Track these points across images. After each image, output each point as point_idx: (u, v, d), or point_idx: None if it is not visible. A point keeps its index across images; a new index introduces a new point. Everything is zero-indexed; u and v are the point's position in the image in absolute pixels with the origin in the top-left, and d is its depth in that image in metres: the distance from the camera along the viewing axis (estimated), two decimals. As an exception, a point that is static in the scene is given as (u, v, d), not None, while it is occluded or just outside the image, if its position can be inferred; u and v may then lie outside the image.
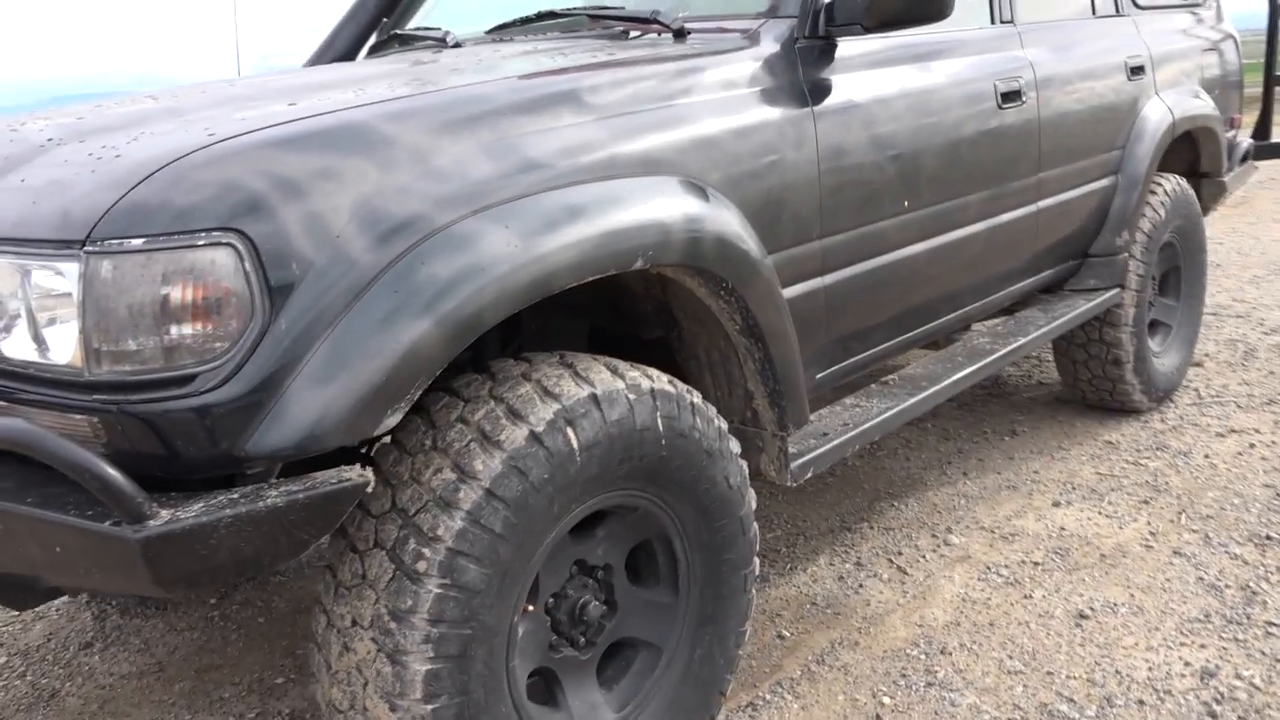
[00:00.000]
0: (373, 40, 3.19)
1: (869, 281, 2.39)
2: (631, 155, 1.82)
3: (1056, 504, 3.20)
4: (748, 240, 1.95)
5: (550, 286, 1.63)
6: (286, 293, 1.41)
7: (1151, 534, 2.95)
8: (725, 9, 2.36)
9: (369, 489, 1.48)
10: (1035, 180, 2.95)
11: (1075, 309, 3.29)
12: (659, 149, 1.87)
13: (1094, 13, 3.42)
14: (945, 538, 3.03)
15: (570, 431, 1.67)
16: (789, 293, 2.15)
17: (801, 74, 2.21)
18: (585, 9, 2.48)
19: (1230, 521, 2.99)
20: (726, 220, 1.91)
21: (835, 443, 2.30)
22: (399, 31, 3.00)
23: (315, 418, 1.39)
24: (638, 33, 2.33)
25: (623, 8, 2.42)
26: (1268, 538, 2.87)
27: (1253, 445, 3.50)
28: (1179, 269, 3.97)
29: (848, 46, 2.35)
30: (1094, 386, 3.78)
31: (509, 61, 2.14)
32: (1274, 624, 2.47)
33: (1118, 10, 3.54)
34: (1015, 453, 3.64)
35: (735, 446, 2.01)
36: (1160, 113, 3.54)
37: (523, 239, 1.58)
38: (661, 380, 1.85)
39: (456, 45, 2.69)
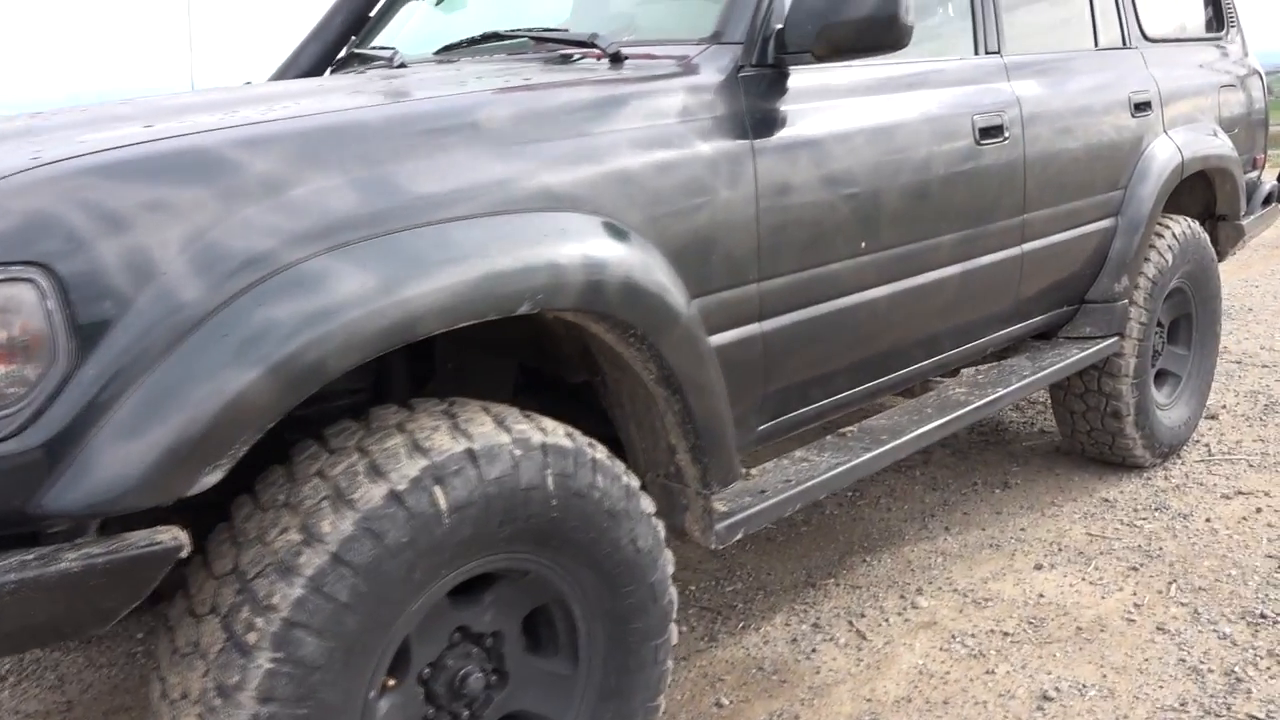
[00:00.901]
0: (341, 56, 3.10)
1: (818, 327, 2.22)
2: (532, 190, 1.68)
3: (1039, 567, 2.99)
4: (664, 284, 1.80)
5: (414, 332, 1.48)
6: (97, 335, 1.28)
7: (1136, 606, 2.74)
8: (672, 33, 2.21)
9: (184, 553, 1.34)
10: (1019, 221, 2.76)
11: (1066, 358, 3.09)
12: (566, 184, 1.72)
13: (1096, 45, 3.22)
14: (914, 599, 2.84)
15: (438, 490, 1.52)
16: (720, 339, 1.99)
17: (745, 105, 2.05)
18: (528, 31, 2.35)
19: (1224, 595, 2.76)
20: (638, 262, 1.75)
21: (771, 502, 2.13)
22: (357, 50, 2.89)
23: (117, 474, 1.26)
24: (578, 56, 2.19)
25: (566, 30, 2.28)
26: (1262, 616, 2.64)
27: (1259, 510, 3.26)
28: (1190, 316, 3.74)
29: (804, 77, 2.19)
30: (1093, 439, 3.56)
31: (426, 86, 2.01)
32: (1256, 718, 2.24)
33: (1125, 43, 3.34)
34: (1004, 507, 3.43)
35: (647, 506, 1.85)
36: (1168, 152, 3.33)
37: (381, 280, 1.44)
38: (557, 434, 1.70)
39: (401, 65, 2.57)
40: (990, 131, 2.61)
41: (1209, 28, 3.95)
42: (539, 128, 1.73)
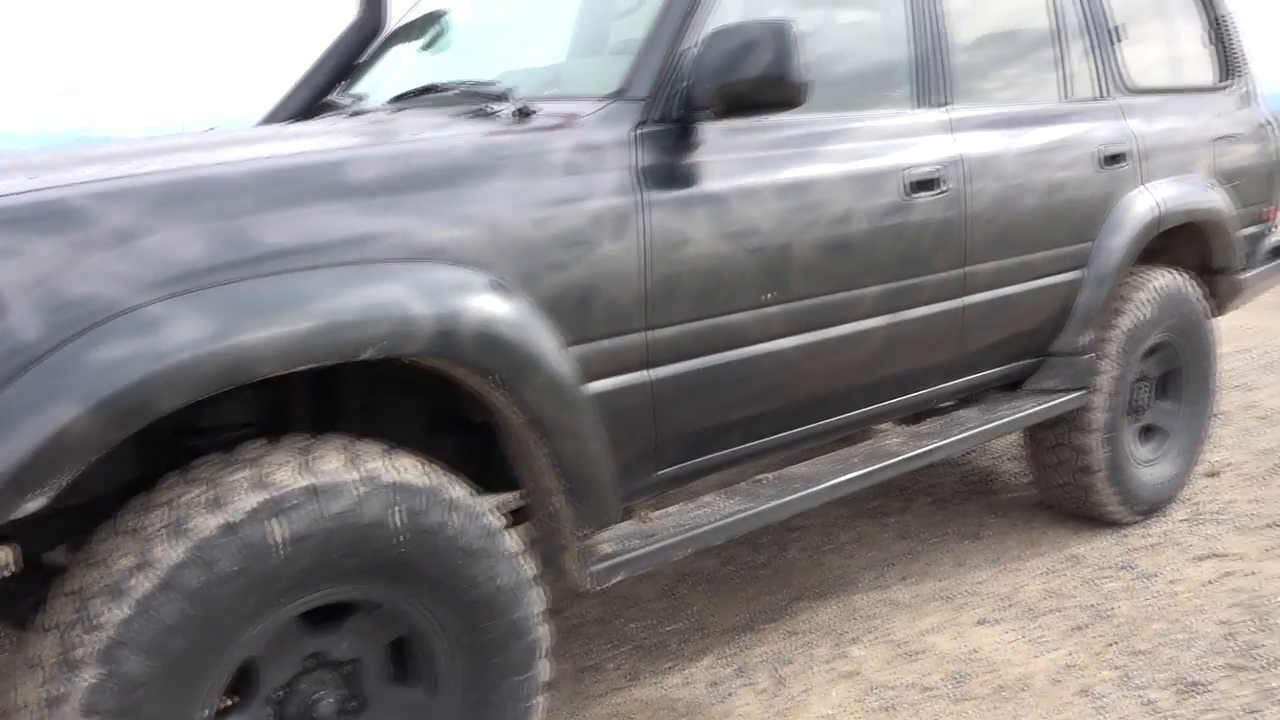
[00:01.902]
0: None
1: (718, 375, 2.26)
2: (391, 242, 1.77)
3: (982, 622, 2.95)
4: (527, 331, 1.87)
5: (248, 374, 1.59)
6: (-58, 369, 1.41)
7: (1068, 666, 2.69)
8: (588, 88, 2.29)
9: (6, 572, 1.46)
10: (960, 274, 2.75)
11: (1020, 411, 3.06)
12: (428, 236, 1.82)
13: (1065, 97, 3.20)
14: (847, 649, 2.84)
15: (275, 523, 1.62)
16: (600, 385, 2.05)
17: (639, 160, 2.12)
18: (461, 84, 2.46)
19: (1163, 660, 2.69)
20: (499, 310, 1.83)
21: (657, 547, 2.18)
22: (327, 99, 3.05)
23: (-59, 497, 1.38)
24: (497, 109, 2.28)
25: (494, 83, 2.38)
26: (1193, 684, 2.57)
27: (1229, 573, 3.16)
28: (1179, 371, 3.65)
29: (714, 130, 2.26)
30: (1066, 493, 3.50)
31: (332, 136, 2.13)
32: (1153, 790, 2.19)
33: (1101, 94, 3.30)
34: (969, 559, 3.39)
35: (510, 545, 1.92)
36: (1145, 205, 3.27)
37: (217, 325, 1.55)
38: (411, 473, 1.79)
39: (356, 114, 2.71)
40: (923, 185, 2.62)
41: (1216, 77, 3.86)
42: (405, 182, 1.83)
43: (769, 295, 2.31)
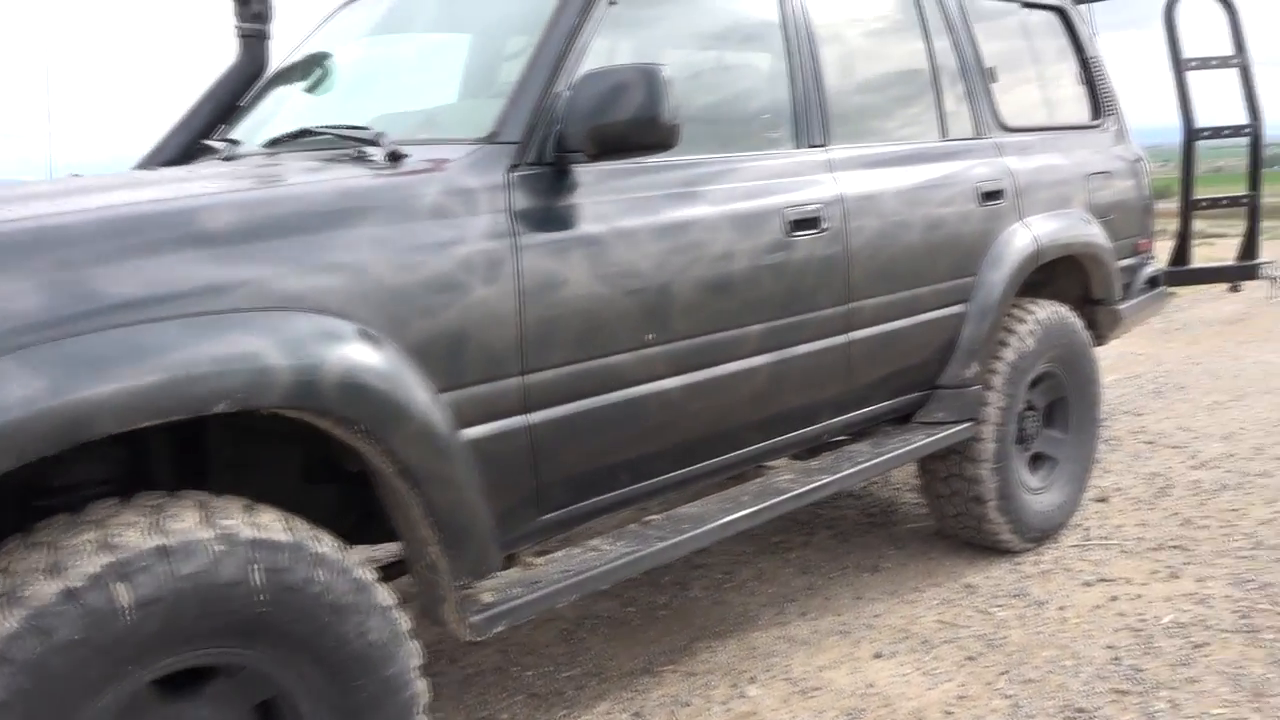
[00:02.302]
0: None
1: (599, 419, 2.24)
2: (247, 291, 1.72)
3: (879, 655, 2.96)
4: (395, 379, 1.83)
5: (89, 432, 1.52)
6: None
7: (960, 698, 2.71)
8: (461, 131, 2.27)
9: None
10: (844, 310, 2.79)
11: (910, 444, 3.10)
12: (287, 283, 1.77)
13: (944, 136, 3.28)
14: (744, 689, 2.82)
15: (121, 587, 1.55)
16: (476, 432, 2.02)
17: (512, 203, 2.11)
18: (334, 128, 2.42)
19: (1052, 688, 2.73)
20: (364, 358, 1.79)
21: (540, 594, 2.14)
22: (204, 141, 2.98)
23: None
24: (369, 153, 2.25)
25: (367, 128, 2.34)
26: (1080, 710, 2.60)
27: (1115, 598, 3.23)
28: (1065, 400, 3.75)
29: (591, 173, 2.26)
30: (960, 523, 3.55)
31: (194, 182, 2.07)
32: (1038, 819, 2.21)
33: (978, 133, 3.40)
34: (867, 592, 3.41)
35: (382, 599, 1.86)
36: (1023, 239, 3.37)
37: (51, 381, 1.48)
38: (273, 528, 1.72)
39: (229, 159, 2.65)
40: (804, 224, 2.65)
41: (1089, 116, 4.01)
42: (262, 229, 1.78)
43: (650, 336, 2.31)
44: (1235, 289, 4.78)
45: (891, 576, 3.52)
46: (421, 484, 1.90)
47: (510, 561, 2.28)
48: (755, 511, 2.61)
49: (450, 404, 1.96)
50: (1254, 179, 4.50)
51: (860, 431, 3.25)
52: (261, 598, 1.68)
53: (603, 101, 2.10)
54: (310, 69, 3.07)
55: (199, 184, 2.01)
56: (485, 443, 2.04)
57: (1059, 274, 3.82)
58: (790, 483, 2.78)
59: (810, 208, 2.69)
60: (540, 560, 2.29)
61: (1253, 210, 4.53)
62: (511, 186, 2.12)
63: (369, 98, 2.81)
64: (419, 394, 1.88)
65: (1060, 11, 3.95)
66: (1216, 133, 4.46)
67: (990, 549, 3.60)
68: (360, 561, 1.85)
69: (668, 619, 3.30)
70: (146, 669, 1.62)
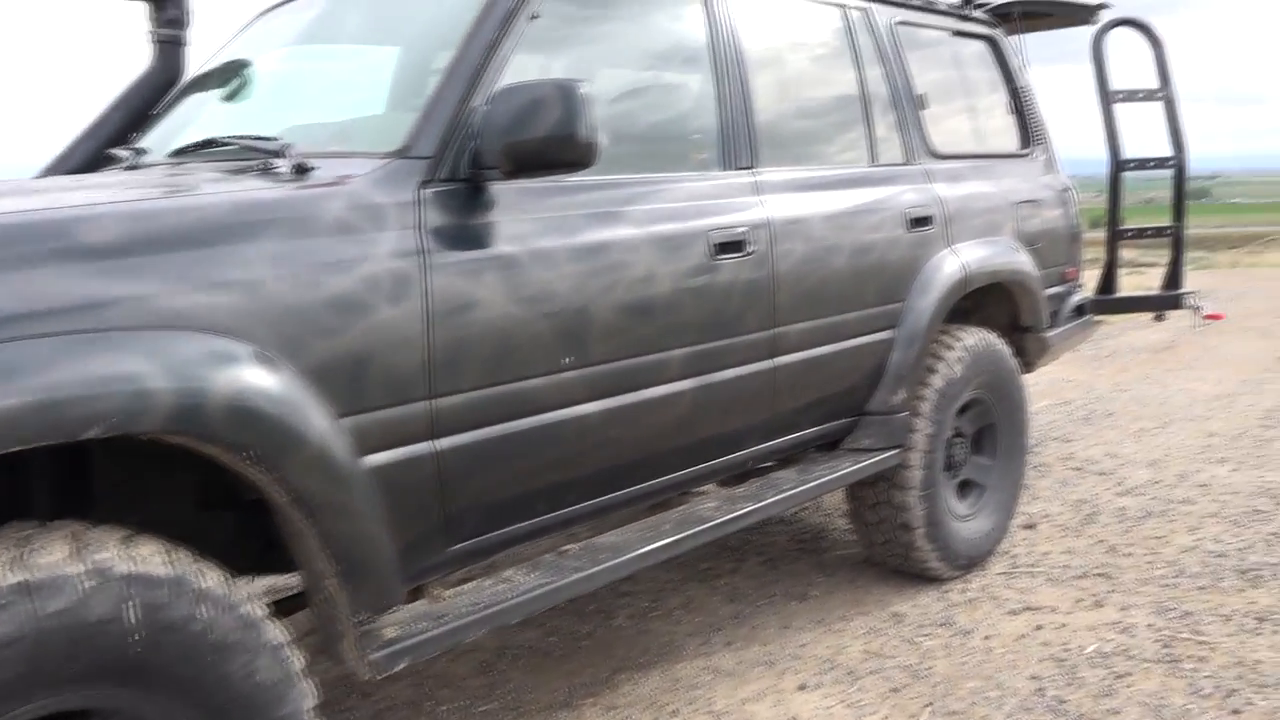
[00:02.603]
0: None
1: (512, 444, 2.16)
2: (129, 307, 1.62)
3: (803, 687, 2.91)
4: (288, 404, 1.74)
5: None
6: None
7: (883, 731, 2.66)
8: (374, 145, 2.18)
9: None
10: (770, 335, 2.75)
11: (837, 471, 3.06)
12: (173, 300, 1.67)
13: (874, 161, 3.27)
14: (665, 722, 2.74)
15: (-24, 627, 1.43)
16: (379, 459, 1.93)
17: (424, 219, 2.03)
18: (241, 138, 2.32)
19: (975, 720, 2.70)
20: (251, 382, 1.69)
21: (446, 629, 2.04)
22: (110, 150, 2.85)
23: None
24: (275, 165, 2.15)
25: (275, 138, 2.24)
26: (1002, 744, 2.57)
27: (1040, 627, 3.22)
28: (993, 427, 3.75)
29: (510, 191, 2.19)
30: (888, 550, 3.52)
31: (83, 191, 1.96)
32: None
33: (907, 159, 3.39)
34: (794, 621, 3.36)
35: (272, 636, 1.75)
36: (951, 266, 3.36)
37: (-102, 405, 1.36)
38: (151, 562, 1.62)
39: (132, 168, 2.54)
40: (729, 247, 2.61)
41: (1018, 145, 4.04)
42: (148, 243, 1.68)
43: (568, 360, 2.24)
44: (1160, 318, 4.85)
45: (819, 605, 3.48)
46: (317, 514, 1.80)
47: (418, 594, 2.19)
48: (676, 541, 2.54)
49: (351, 429, 1.87)
50: (1178, 210, 4.58)
51: (788, 458, 3.21)
52: (137, 637, 1.57)
53: (518, 117, 2.04)
54: (227, 77, 2.97)
55: (85, 193, 1.90)
56: (389, 470, 1.95)
57: (988, 301, 3.83)
58: (713, 511, 2.72)
59: (736, 231, 2.64)
60: (450, 592, 2.20)
61: (1177, 241, 4.61)
62: (422, 203, 2.04)
63: (285, 108, 2.71)
64: (315, 419, 1.79)
65: (991, 41, 3.98)
66: (1141, 164, 4.52)
67: (919, 577, 3.58)
68: (249, 596, 1.75)
69: (590, 649, 3.22)
70: (9, 715, 1.50)
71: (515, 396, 2.15)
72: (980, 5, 4.05)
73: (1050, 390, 6.98)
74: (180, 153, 2.52)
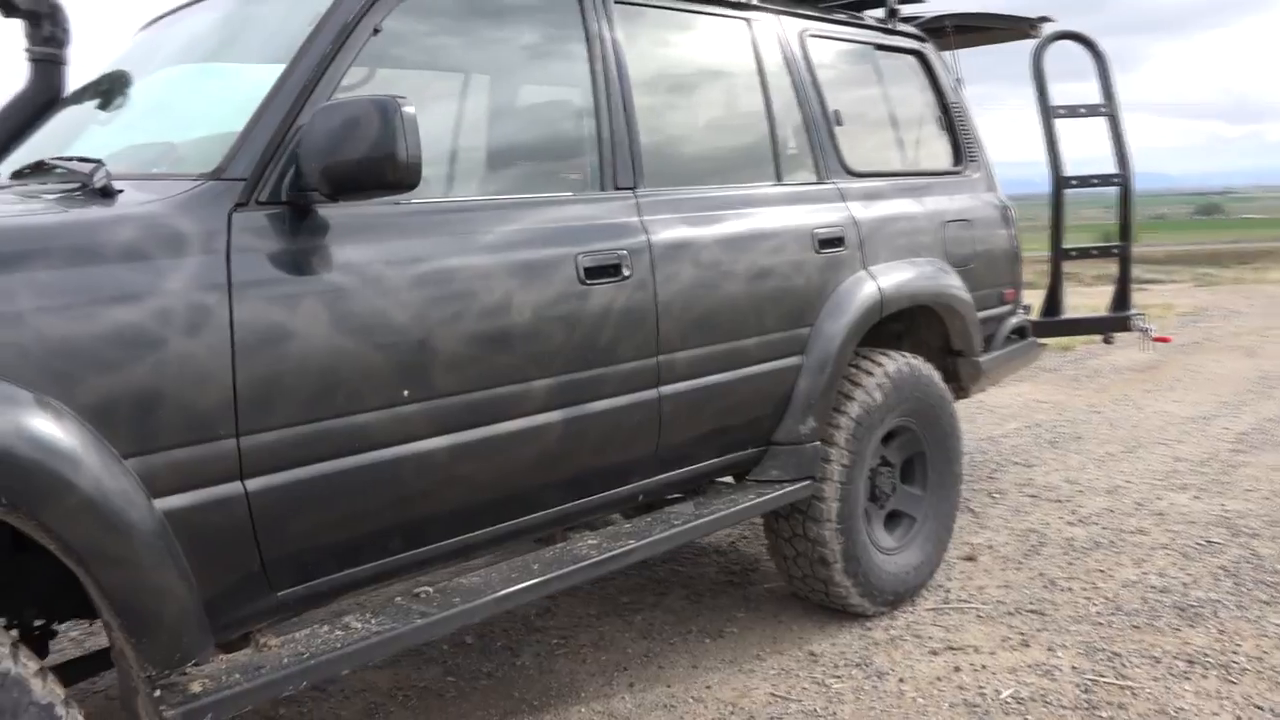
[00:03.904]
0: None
1: (342, 484, 2.03)
2: None
3: (697, 734, 2.76)
4: (50, 445, 1.61)
5: None
6: None
7: (770, 784, 2.51)
8: (193, 166, 2.06)
9: None
10: (653, 364, 2.61)
11: (737, 505, 2.91)
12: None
13: (779, 180, 3.14)
14: (544, 773, 2.59)
15: None
16: (175, 501, 1.79)
17: (234, 245, 1.90)
18: (65, 159, 2.20)
19: (870, 772, 2.54)
20: (4, 423, 1.57)
21: (259, 683, 1.90)
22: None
23: None
24: (88, 187, 2.02)
25: (98, 161, 2.11)
26: (892, 800, 2.41)
27: (958, 669, 3.05)
28: (923, 455, 3.59)
29: (341, 214, 2.07)
30: (807, 586, 3.37)
31: None
32: None
33: (820, 178, 3.26)
34: (706, 660, 3.20)
35: (42, 695, 1.62)
36: (866, 289, 3.22)
37: None
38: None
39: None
40: (601, 271, 2.48)
41: (949, 162, 3.91)
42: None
43: (406, 393, 2.11)
44: (1108, 340, 4.68)
45: (735, 642, 3.32)
46: (90, 563, 1.67)
47: (244, 641, 2.05)
48: (543, 582, 2.40)
49: (141, 471, 1.74)
50: (1124, 229, 4.42)
51: (694, 490, 3.07)
52: None
53: (335, 137, 1.92)
54: (95, 95, 2.86)
55: None
56: (189, 514, 1.81)
57: (919, 324, 3.69)
58: (592, 549, 2.58)
59: (612, 254, 2.51)
60: (278, 641, 2.06)
61: (1124, 260, 4.45)
62: (234, 228, 1.92)
63: (136, 128, 2.60)
64: (90, 461, 1.66)
65: (919, 56, 3.86)
66: (1085, 182, 4.38)
67: (842, 612, 3.42)
68: (10, 652, 1.61)
69: (488, 690, 3.07)
70: None
71: (343, 432, 2.02)
72: (909, 19, 3.93)
73: (1022, 412, 6.82)
74: (18, 175, 2.41)
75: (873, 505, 3.45)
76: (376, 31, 2.21)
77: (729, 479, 3.18)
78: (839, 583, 3.27)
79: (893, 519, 3.56)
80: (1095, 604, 3.49)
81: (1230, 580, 3.66)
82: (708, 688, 3.02)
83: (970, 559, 3.97)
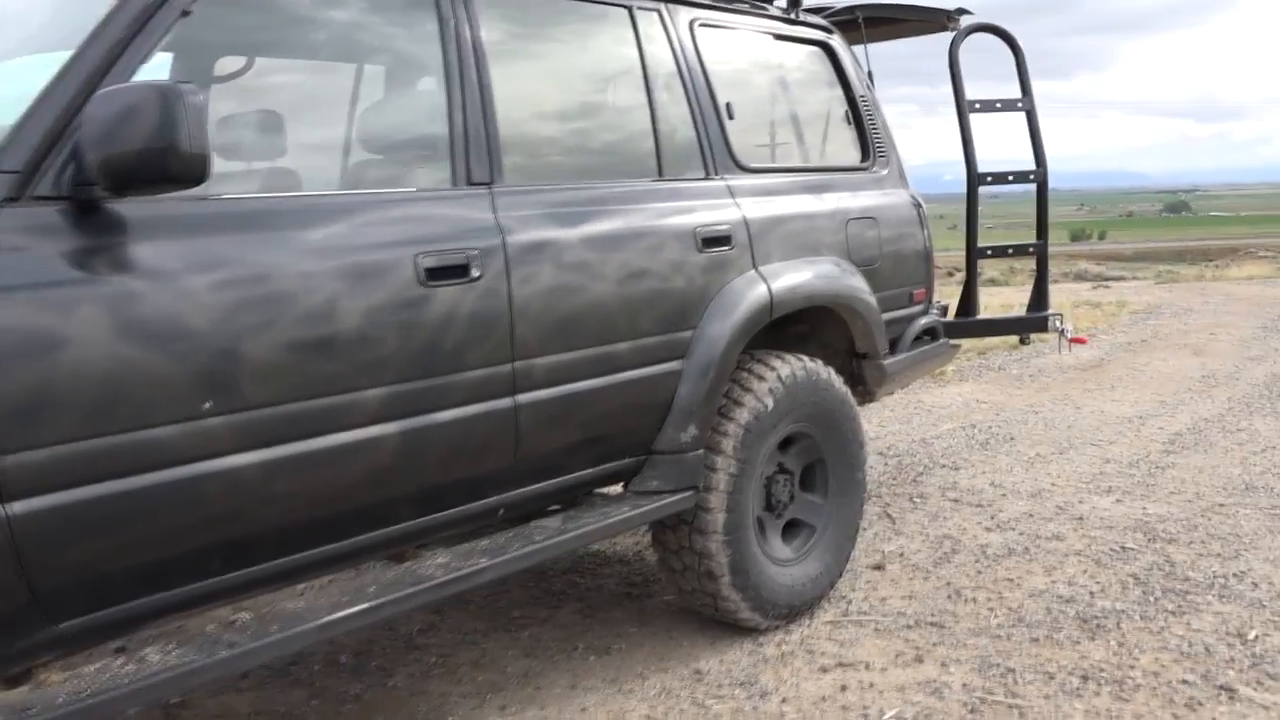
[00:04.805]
0: None
1: (128, 505, 1.86)
2: None
3: (560, 761, 2.61)
4: None
5: None
6: None
7: (625, 817, 2.36)
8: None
9: None
10: (507, 371, 2.46)
11: (608, 518, 2.76)
12: None
13: (660, 176, 2.99)
14: (391, 806, 2.43)
15: None
16: (-82, 529, 1.62)
17: (-2, 244, 1.73)
18: None
19: (734, 803, 2.40)
20: None
21: (19, 727, 1.74)
22: None
23: None
24: None
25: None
26: (749, 834, 2.27)
27: (845, 687, 2.92)
28: (824, 462, 3.46)
29: (136, 211, 1.90)
30: (696, 599, 3.23)
31: None
32: None
33: (708, 174, 3.11)
34: (587, 679, 3.05)
35: None
36: (755, 290, 3.07)
37: None
38: None
39: None
40: (445, 271, 2.32)
41: (856, 158, 3.77)
42: None
43: (208, 405, 1.94)
44: (1025, 341, 4.57)
45: (620, 660, 3.18)
46: None
47: (25, 676, 1.88)
48: (376, 607, 2.24)
49: None
50: (1041, 226, 4.31)
51: (573, 501, 2.92)
52: None
53: (113, 126, 1.76)
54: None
55: None
56: (-64, 542, 1.64)
57: (823, 326, 3.56)
58: (439, 568, 2.42)
59: (458, 254, 2.35)
60: (60, 677, 1.89)
61: (1041, 259, 4.34)
62: (7, 224, 1.75)
63: None
64: None
65: (825, 47, 3.72)
66: (1000, 178, 4.26)
67: (734, 626, 3.28)
68: None
69: (351, 714, 2.91)
70: None
71: (129, 449, 1.85)
72: (818, 10, 3.79)
73: (960, 412, 6.72)
74: None
75: (768, 514, 3.32)
76: (186, 14, 2.03)
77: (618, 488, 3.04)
78: (727, 596, 3.13)
79: (791, 528, 3.43)
80: (998, 615, 3.38)
81: (1139, 589, 3.56)
82: (583, 710, 2.88)
83: (879, 568, 3.85)
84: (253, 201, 2.08)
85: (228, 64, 2.28)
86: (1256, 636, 3.14)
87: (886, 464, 5.41)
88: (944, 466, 5.33)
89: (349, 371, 2.15)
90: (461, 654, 3.26)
